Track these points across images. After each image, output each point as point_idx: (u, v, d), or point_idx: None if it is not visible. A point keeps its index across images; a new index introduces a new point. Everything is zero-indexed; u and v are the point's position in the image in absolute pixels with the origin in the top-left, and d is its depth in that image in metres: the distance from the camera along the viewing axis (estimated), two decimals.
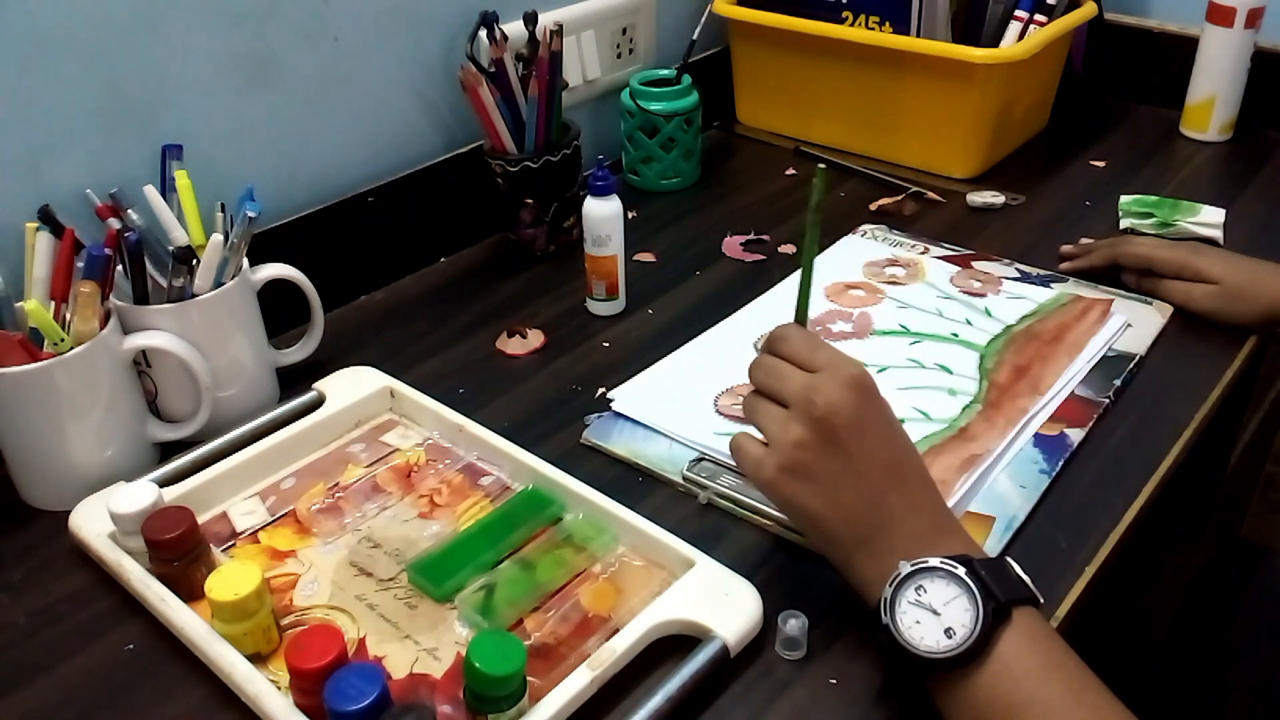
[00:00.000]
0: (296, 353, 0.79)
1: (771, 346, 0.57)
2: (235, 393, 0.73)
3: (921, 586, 0.50)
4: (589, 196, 0.82)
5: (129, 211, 0.69)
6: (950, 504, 0.63)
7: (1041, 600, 0.51)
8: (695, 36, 1.07)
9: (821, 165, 0.58)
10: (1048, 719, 0.47)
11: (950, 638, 0.49)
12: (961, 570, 0.50)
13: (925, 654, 0.49)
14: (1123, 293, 0.85)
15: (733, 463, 0.67)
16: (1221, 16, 1.07)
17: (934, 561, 0.50)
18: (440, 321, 0.87)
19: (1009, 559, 0.52)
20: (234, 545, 0.64)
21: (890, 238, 0.96)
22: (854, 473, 0.53)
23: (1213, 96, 1.11)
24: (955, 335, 0.81)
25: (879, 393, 0.55)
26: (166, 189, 0.72)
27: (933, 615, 0.50)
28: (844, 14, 1.06)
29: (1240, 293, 0.79)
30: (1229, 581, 1.00)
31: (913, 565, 0.51)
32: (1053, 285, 0.87)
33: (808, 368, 0.55)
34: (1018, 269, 0.90)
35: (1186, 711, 0.91)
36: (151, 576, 0.58)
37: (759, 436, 0.56)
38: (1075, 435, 0.70)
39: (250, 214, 0.71)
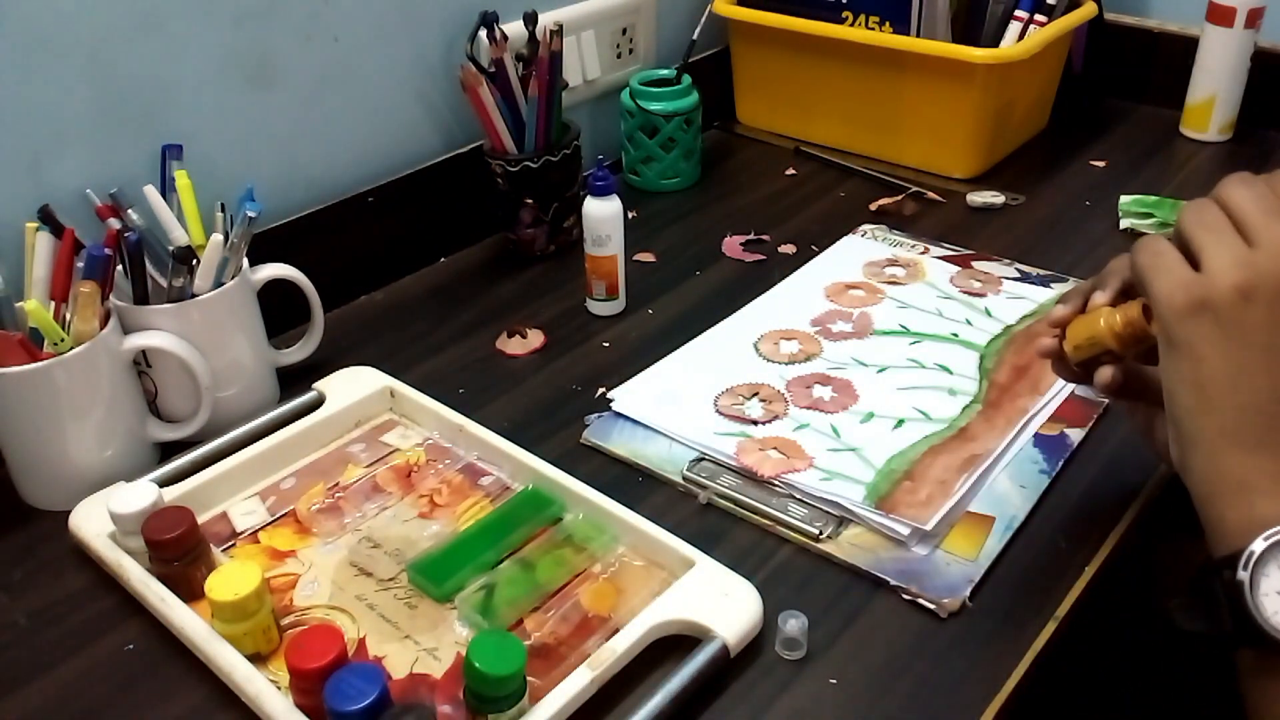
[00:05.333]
0: (296, 353, 0.79)
1: (1274, 179, 0.46)
2: (235, 393, 0.73)
3: None
4: (589, 196, 0.82)
5: (129, 211, 0.69)
6: (950, 504, 0.63)
7: None
8: (695, 36, 1.07)
9: None
10: None
11: None
12: None
13: (1277, 633, 0.42)
14: None
15: (732, 463, 0.67)
16: (1221, 16, 1.07)
17: None
18: (440, 321, 0.87)
19: None
20: (234, 545, 0.64)
21: (890, 238, 0.96)
22: None
23: (1213, 96, 1.11)
24: (955, 335, 0.81)
25: None
26: (166, 189, 0.72)
27: None
28: (844, 14, 1.06)
29: None
30: None
31: None
32: (1053, 285, 0.87)
33: None
34: (1018, 269, 0.90)
35: (1186, 711, 0.91)
36: (151, 576, 0.58)
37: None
38: (1075, 435, 0.70)
39: (250, 214, 0.71)
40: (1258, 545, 0.42)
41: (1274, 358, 0.43)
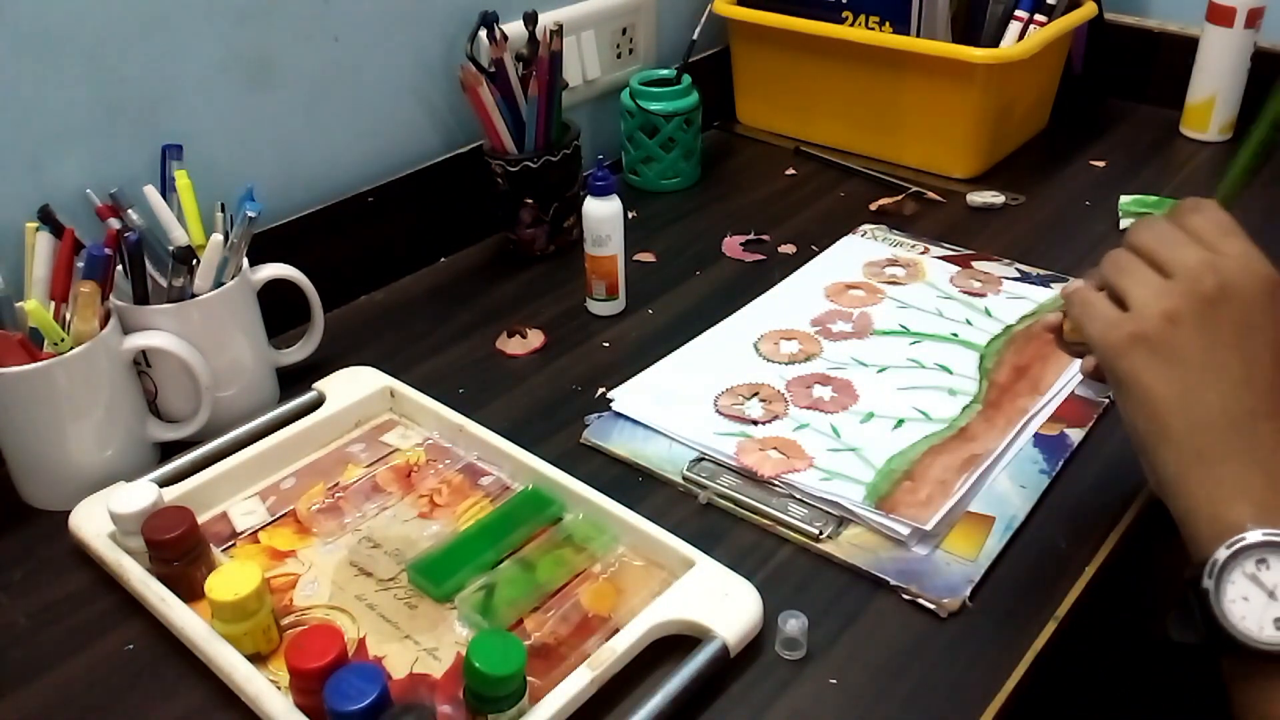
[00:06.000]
0: (296, 353, 0.79)
1: (1178, 214, 0.49)
2: (235, 393, 0.73)
3: (1265, 561, 0.42)
4: (589, 196, 0.82)
5: (129, 211, 0.69)
6: (950, 504, 0.63)
7: None
8: (695, 36, 1.07)
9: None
10: None
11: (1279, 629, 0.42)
12: None
13: (1244, 638, 0.43)
14: None
15: (732, 463, 0.67)
16: (1221, 16, 1.07)
17: None
18: (440, 321, 0.87)
19: None
20: (234, 545, 0.64)
21: (890, 238, 0.96)
22: (1228, 376, 0.44)
23: (1213, 96, 1.11)
24: (955, 335, 0.81)
25: None
26: (166, 189, 0.72)
27: (1268, 597, 0.42)
28: (844, 14, 1.06)
29: None
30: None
31: (1266, 534, 0.42)
32: (1053, 285, 0.87)
33: (1214, 249, 0.47)
34: (1018, 269, 0.90)
35: (1186, 711, 0.91)
36: (151, 576, 0.58)
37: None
38: (1075, 435, 0.70)
39: (250, 214, 0.71)
40: (1221, 553, 0.43)
41: (1213, 372, 0.45)
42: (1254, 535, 0.43)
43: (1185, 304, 0.46)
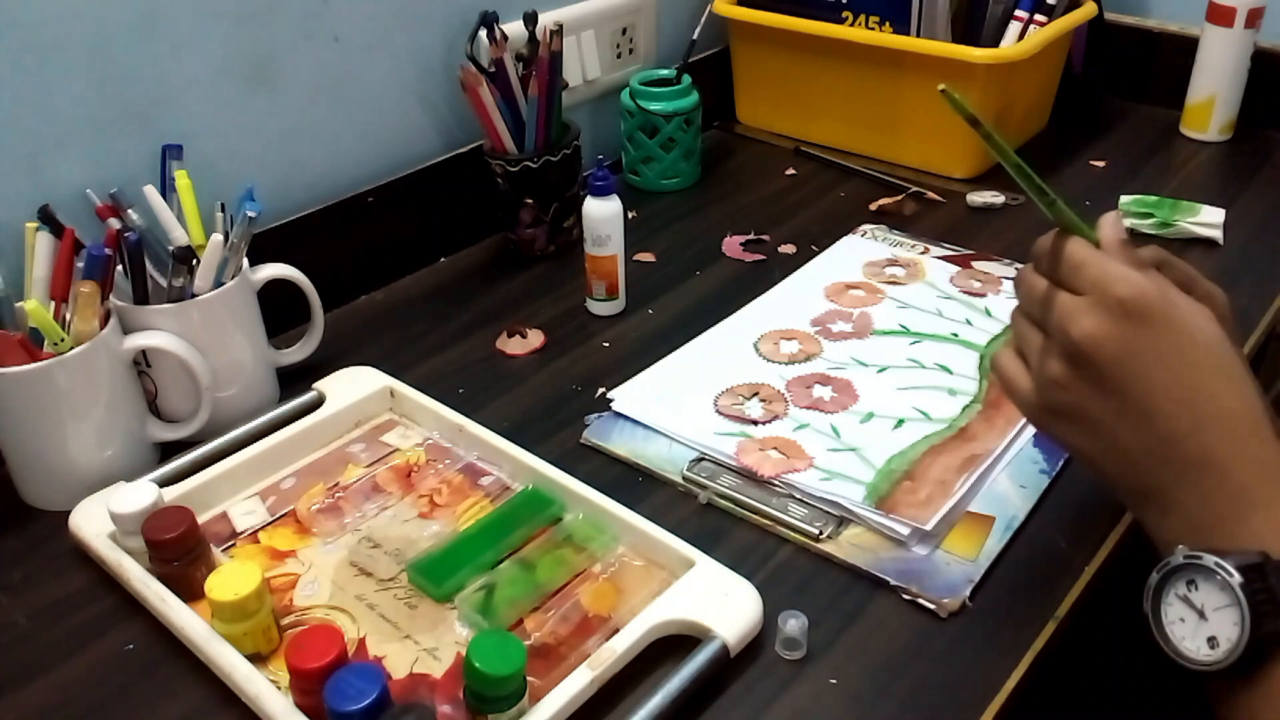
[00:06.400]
0: (296, 353, 0.79)
1: (1035, 263, 0.49)
2: (235, 393, 0.73)
3: (1194, 581, 0.43)
4: (589, 196, 0.82)
5: (129, 211, 0.69)
6: (950, 504, 0.63)
7: None
8: (695, 36, 1.07)
9: (941, 88, 0.48)
10: None
11: (1214, 648, 0.43)
12: (1236, 579, 0.42)
13: (1185, 658, 0.44)
14: None
15: (732, 463, 0.67)
16: (1221, 16, 1.07)
17: (1209, 560, 0.42)
18: (440, 321, 0.87)
19: None
20: (234, 545, 0.64)
21: (890, 238, 0.96)
22: (1131, 414, 0.44)
23: (1213, 96, 1.11)
24: (955, 335, 0.81)
25: (1167, 312, 0.45)
26: (166, 189, 0.72)
27: (1199, 618, 0.43)
28: (844, 14, 1.06)
29: None
30: None
31: (1186, 556, 0.43)
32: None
33: (1072, 289, 0.46)
34: (1018, 269, 0.89)
35: (1187, 712, 0.91)
36: (151, 576, 0.58)
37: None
38: None
39: (250, 214, 0.71)
40: (1153, 578, 0.45)
41: (1117, 416, 0.45)
42: (1178, 557, 0.43)
43: (1064, 365, 0.46)
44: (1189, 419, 0.44)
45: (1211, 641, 0.43)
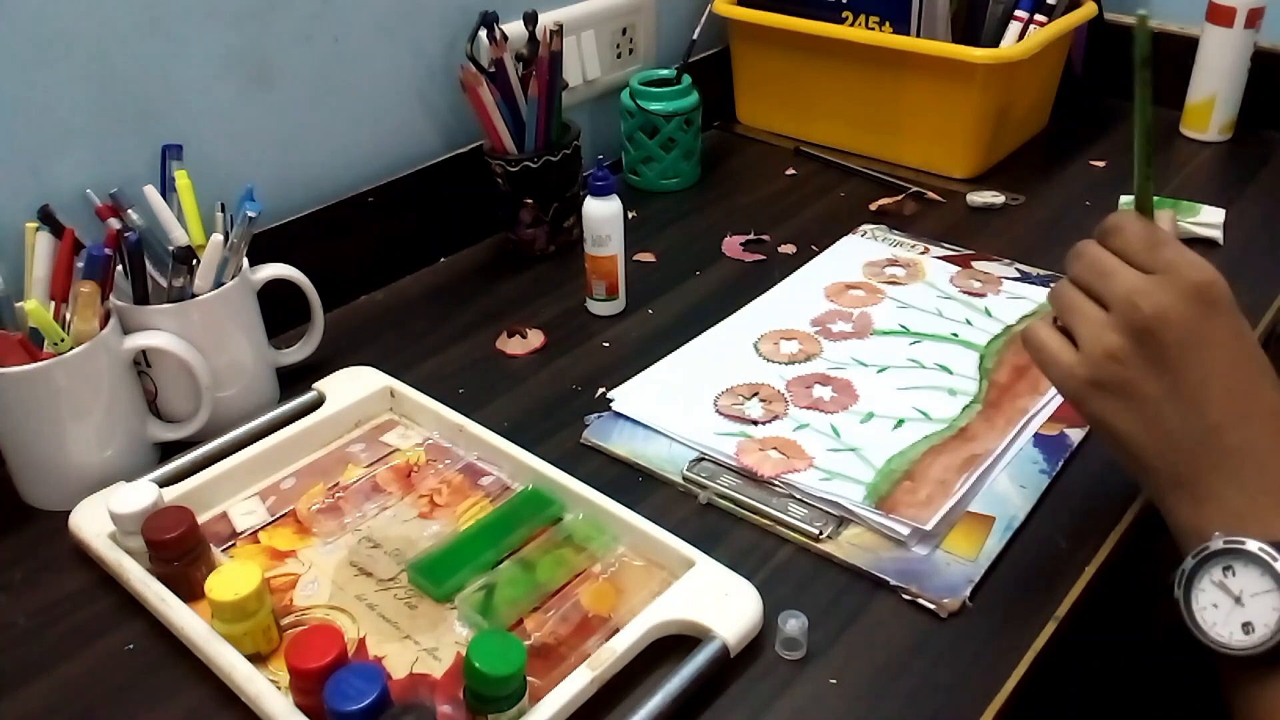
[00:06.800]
0: (296, 353, 0.79)
1: (1104, 236, 0.49)
2: (235, 393, 0.73)
3: (1230, 567, 0.43)
4: (589, 196, 0.82)
5: (129, 211, 0.69)
6: (950, 504, 0.63)
7: None
8: (695, 36, 1.07)
9: (1142, 12, 0.48)
10: None
11: (1248, 633, 0.43)
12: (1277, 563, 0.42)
13: (1216, 644, 0.44)
14: None
15: (732, 463, 0.67)
16: (1221, 16, 1.07)
17: (1252, 545, 0.43)
18: (440, 321, 0.87)
19: None
20: (234, 545, 0.64)
21: (890, 238, 0.96)
22: (1183, 397, 0.45)
23: (1213, 96, 1.11)
24: (955, 335, 0.81)
25: (1232, 306, 0.46)
26: (166, 189, 0.72)
27: (1234, 603, 0.43)
28: (844, 14, 1.06)
29: None
30: None
31: (1226, 542, 0.43)
32: (1052, 285, 0.87)
33: (1143, 267, 0.46)
34: (1018, 269, 0.90)
35: (1187, 711, 0.91)
36: (151, 576, 0.58)
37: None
38: (1075, 435, 0.70)
39: (250, 214, 0.71)
40: (1188, 563, 0.45)
41: (1168, 398, 0.45)
42: (1216, 543, 0.44)
43: (1125, 339, 0.46)
44: (1237, 410, 0.45)
45: (1247, 627, 0.43)
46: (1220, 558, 0.44)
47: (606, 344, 0.83)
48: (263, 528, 0.65)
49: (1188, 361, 0.45)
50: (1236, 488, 0.45)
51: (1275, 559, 0.43)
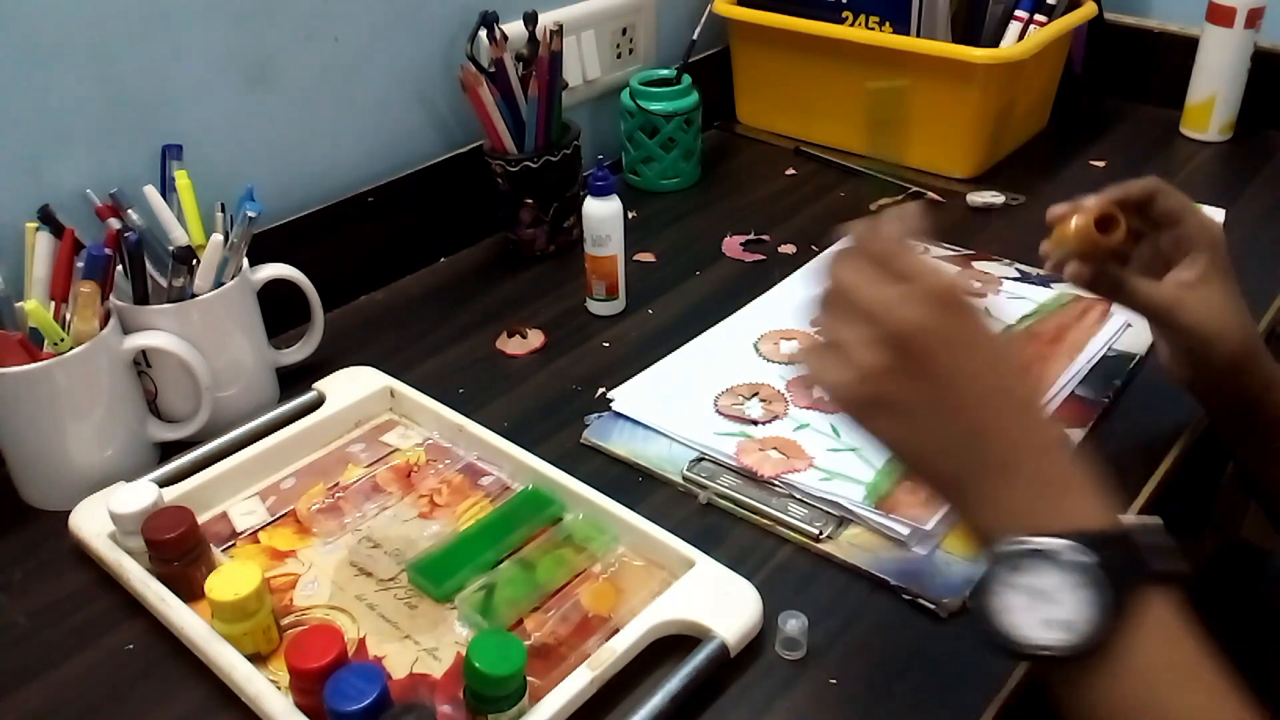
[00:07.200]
0: (296, 353, 0.79)
1: (861, 241, 0.50)
2: (235, 393, 0.73)
3: (1019, 567, 0.43)
4: (589, 196, 0.82)
5: (129, 211, 0.69)
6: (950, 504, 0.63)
7: (1187, 572, 0.43)
8: (695, 36, 1.07)
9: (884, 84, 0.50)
10: None
11: (1061, 630, 0.42)
12: (1075, 553, 0.42)
13: (1026, 646, 0.43)
14: None
15: (732, 463, 0.67)
16: (1221, 16, 1.07)
17: (1039, 543, 0.42)
18: (440, 321, 0.87)
19: (1155, 519, 0.44)
20: (234, 545, 0.64)
21: None
22: (946, 404, 0.45)
23: (1213, 96, 1.11)
24: None
25: (973, 309, 0.47)
26: (166, 189, 0.72)
27: (1038, 600, 0.42)
28: (844, 14, 1.06)
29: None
30: (1229, 582, 1.00)
31: (1013, 544, 0.43)
32: (1053, 285, 0.87)
33: (899, 276, 0.47)
34: (1018, 269, 0.90)
35: None
36: (151, 576, 0.58)
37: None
38: (1075, 435, 0.70)
39: (250, 214, 0.71)
40: (981, 568, 0.44)
41: (934, 407, 0.46)
42: (1005, 545, 0.43)
43: (888, 353, 0.46)
44: (995, 407, 0.46)
45: (1058, 625, 0.42)
46: (1012, 559, 0.43)
47: (606, 344, 0.83)
48: (263, 528, 0.65)
49: (948, 365, 0.45)
50: (1011, 485, 0.45)
51: (1063, 550, 0.42)
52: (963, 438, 0.45)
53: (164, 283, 0.70)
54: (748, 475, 0.67)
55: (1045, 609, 0.42)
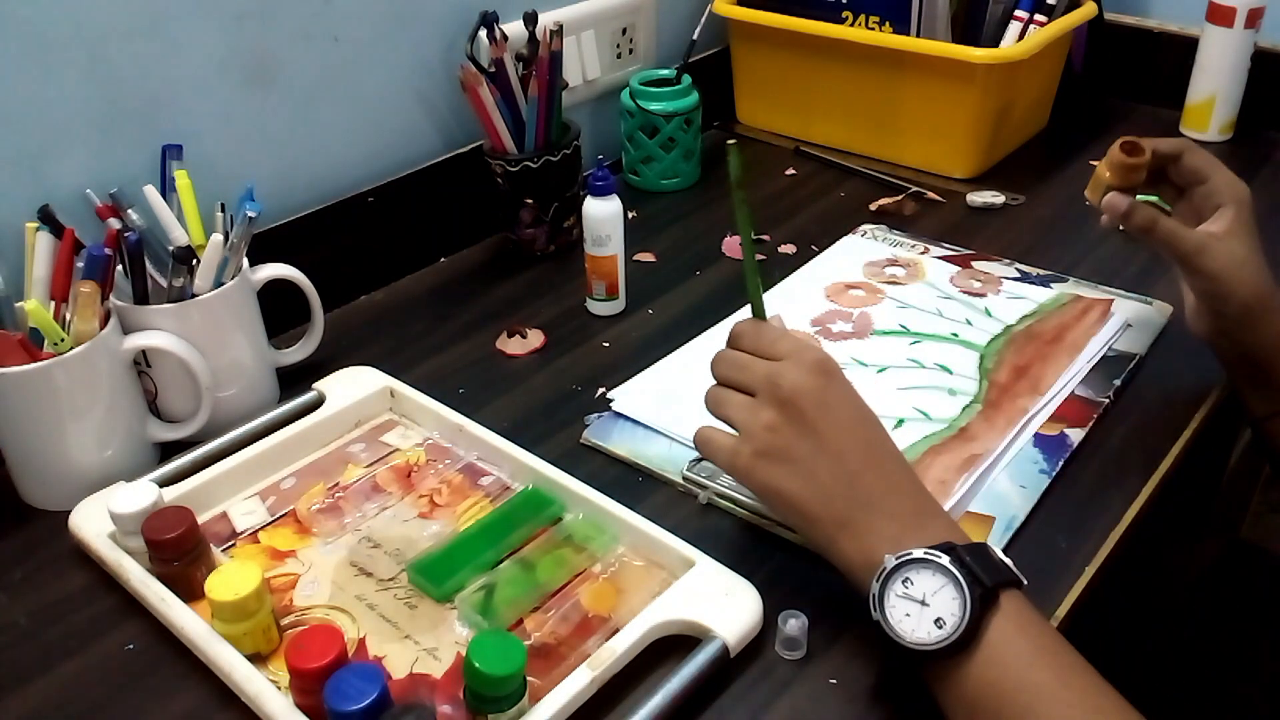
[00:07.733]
0: (296, 353, 0.79)
1: (732, 342, 0.59)
2: (235, 393, 0.73)
3: (908, 578, 0.51)
4: (589, 196, 0.82)
5: (129, 211, 0.69)
6: (950, 504, 0.63)
7: (1024, 582, 0.51)
8: (695, 36, 1.07)
9: (731, 141, 0.58)
10: (1039, 703, 0.47)
11: (940, 628, 0.49)
12: (946, 559, 0.50)
13: (916, 646, 0.50)
14: (1123, 292, 0.85)
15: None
16: (1221, 16, 1.07)
17: (918, 553, 0.51)
18: (440, 321, 0.87)
19: (987, 543, 0.52)
20: (234, 545, 0.64)
21: (890, 238, 0.96)
22: (828, 452, 0.54)
23: (1213, 96, 1.11)
24: (955, 335, 0.81)
25: (843, 376, 0.57)
26: (166, 189, 0.72)
27: (921, 606, 0.50)
28: (844, 14, 1.06)
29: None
30: (1229, 582, 1.01)
31: (897, 559, 0.51)
32: (1053, 285, 0.87)
33: (770, 357, 0.57)
34: (1018, 269, 0.90)
35: (1187, 712, 0.91)
36: (151, 576, 0.58)
37: (724, 428, 0.58)
38: (1075, 435, 0.70)
39: (250, 214, 0.71)
40: (874, 587, 0.51)
41: (817, 455, 0.54)
42: (890, 562, 0.51)
43: (774, 412, 0.55)
44: (869, 456, 0.55)
45: (938, 622, 0.49)
46: (897, 572, 0.51)
47: (606, 344, 0.83)
48: (263, 528, 0.65)
49: (825, 422, 0.54)
50: (886, 517, 0.53)
51: (938, 555, 0.50)
52: (846, 479, 0.54)
53: (164, 283, 0.70)
54: None
55: (927, 613, 0.50)
